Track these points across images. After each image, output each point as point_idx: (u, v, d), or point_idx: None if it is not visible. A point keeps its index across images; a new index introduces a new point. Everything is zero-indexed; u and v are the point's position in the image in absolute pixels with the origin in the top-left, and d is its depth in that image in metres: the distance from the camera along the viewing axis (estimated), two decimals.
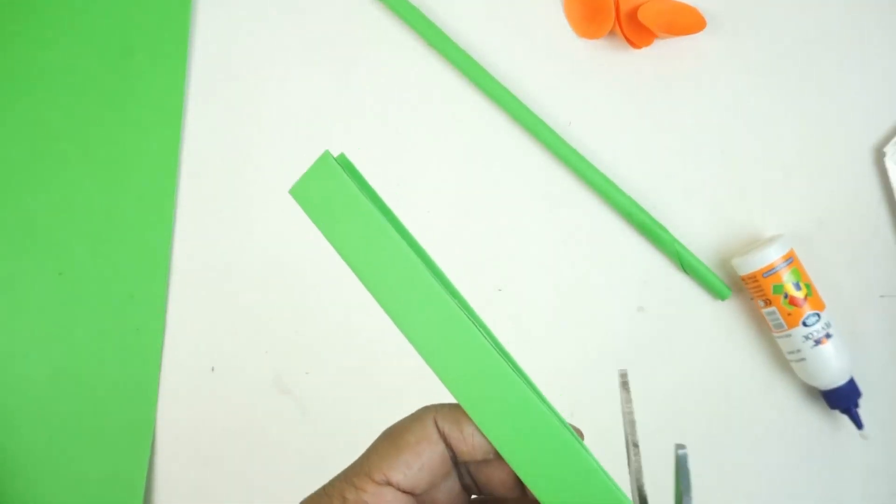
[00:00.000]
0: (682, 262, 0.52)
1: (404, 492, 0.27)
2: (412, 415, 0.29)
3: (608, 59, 0.54)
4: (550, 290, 0.54)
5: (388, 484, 0.27)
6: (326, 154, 0.27)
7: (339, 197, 0.27)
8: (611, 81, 0.54)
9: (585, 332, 0.53)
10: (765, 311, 0.50)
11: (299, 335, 0.55)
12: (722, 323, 0.53)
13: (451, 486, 0.30)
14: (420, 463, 0.27)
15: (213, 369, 0.55)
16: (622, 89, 0.54)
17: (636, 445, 0.27)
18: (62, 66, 0.57)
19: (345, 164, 0.28)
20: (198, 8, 0.57)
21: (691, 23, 0.52)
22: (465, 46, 0.53)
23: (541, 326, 0.53)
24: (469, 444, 0.28)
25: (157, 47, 0.57)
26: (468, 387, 0.27)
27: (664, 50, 0.54)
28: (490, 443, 0.27)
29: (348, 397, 0.54)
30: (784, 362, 0.52)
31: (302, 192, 0.27)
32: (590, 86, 0.54)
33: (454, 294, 0.27)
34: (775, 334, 0.50)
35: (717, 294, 0.52)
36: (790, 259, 0.49)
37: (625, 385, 0.28)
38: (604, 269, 0.54)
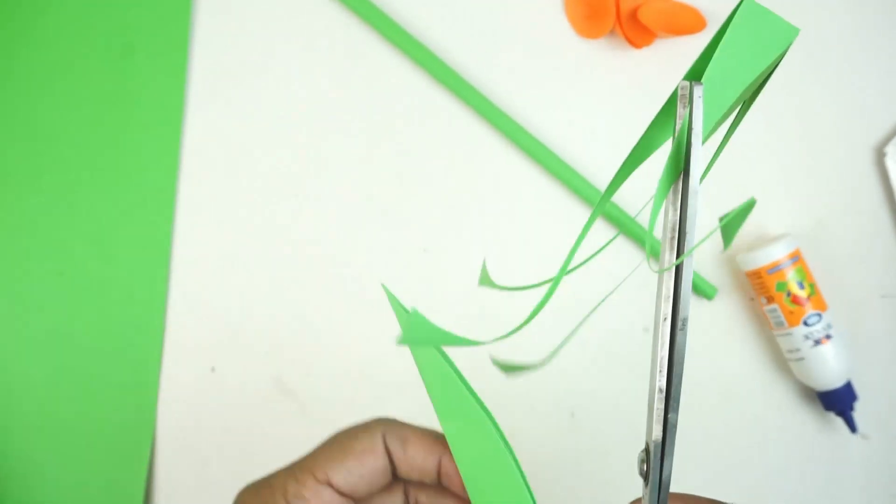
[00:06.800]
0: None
1: (342, 494, 0.29)
2: (364, 424, 0.31)
3: (608, 58, 0.54)
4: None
5: (329, 484, 0.29)
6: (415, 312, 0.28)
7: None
8: (611, 81, 0.54)
9: (587, 328, 0.53)
10: (766, 308, 0.50)
11: (300, 336, 0.55)
12: (713, 323, 0.53)
13: (393, 501, 0.32)
14: (361, 471, 0.29)
15: (213, 369, 0.55)
16: (623, 89, 0.54)
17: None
18: (62, 66, 0.57)
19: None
20: (198, 8, 0.57)
21: (692, 23, 0.52)
22: (463, 46, 0.54)
23: (542, 325, 0.53)
24: (408, 463, 0.30)
25: (157, 47, 0.56)
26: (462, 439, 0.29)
27: (665, 50, 0.54)
28: (432, 467, 0.30)
29: (349, 398, 0.54)
30: (780, 362, 0.52)
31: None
32: (590, 85, 0.54)
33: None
34: (775, 332, 0.50)
35: (703, 293, 0.52)
36: (796, 257, 0.49)
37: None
38: (604, 265, 0.54)
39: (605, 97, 0.54)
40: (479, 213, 0.54)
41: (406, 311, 0.29)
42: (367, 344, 0.54)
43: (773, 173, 0.53)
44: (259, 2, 0.56)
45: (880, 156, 0.52)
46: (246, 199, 0.56)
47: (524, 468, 0.30)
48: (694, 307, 0.53)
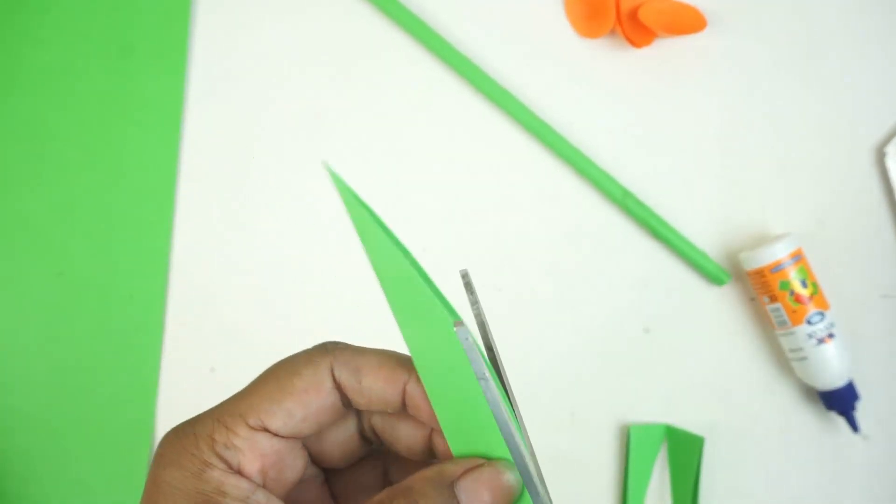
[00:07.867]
0: (677, 248, 0.52)
1: (283, 438, 0.25)
2: (307, 353, 0.26)
3: (609, 58, 0.54)
4: (550, 286, 0.54)
5: (265, 430, 0.24)
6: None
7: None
8: (611, 81, 0.54)
9: (586, 324, 0.53)
10: (769, 307, 0.50)
11: (299, 336, 0.55)
12: (715, 319, 0.53)
13: (345, 429, 0.27)
14: (305, 413, 0.24)
15: (212, 370, 0.55)
16: (623, 89, 0.54)
17: (491, 349, 0.25)
18: (62, 66, 0.57)
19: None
20: (198, 8, 0.57)
21: (692, 22, 0.52)
22: (464, 46, 0.54)
23: (541, 322, 0.53)
24: (366, 396, 0.25)
25: (157, 47, 0.56)
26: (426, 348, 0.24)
27: (665, 50, 0.54)
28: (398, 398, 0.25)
29: None
30: (781, 362, 0.52)
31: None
32: (590, 85, 0.54)
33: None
34: (778, 331, 0.50)
35: (715, 279, 0.52)
36: (798, 257, 0.49)
37: (468, 286, 0.25)
38: (604, 264, 0.54)
39: (604, 97, 0.54)
40: (479, 213, 0.54)
41: (353, 195, 0.25)
42: (367, 344, 0.54)
43: (774, 173, 0.53)
44: (258, 2, 0.56)
45: (880, 156, 0.52)
46: (246, 199, 0.56)
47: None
48: (700, 298, 0.53)
